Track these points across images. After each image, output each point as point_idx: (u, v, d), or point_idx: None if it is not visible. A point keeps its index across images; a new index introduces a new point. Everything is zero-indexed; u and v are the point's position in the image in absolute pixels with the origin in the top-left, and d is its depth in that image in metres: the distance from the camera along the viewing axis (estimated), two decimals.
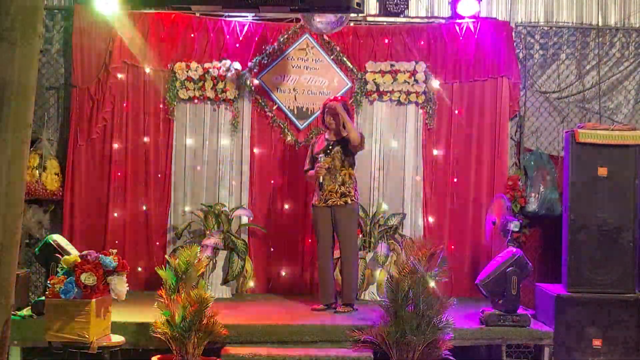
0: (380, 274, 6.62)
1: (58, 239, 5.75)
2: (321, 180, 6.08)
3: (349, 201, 6.10)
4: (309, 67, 7.16)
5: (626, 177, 5.91)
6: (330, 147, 6.16)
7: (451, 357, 5.07)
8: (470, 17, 7.07)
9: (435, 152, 7.14)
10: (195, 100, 7.10)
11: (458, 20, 7.12)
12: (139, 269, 6.94)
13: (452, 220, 7.14)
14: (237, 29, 7.10)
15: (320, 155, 6.13)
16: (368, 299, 6.61)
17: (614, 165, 5.92)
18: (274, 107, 7.14)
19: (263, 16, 6.96)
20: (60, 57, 7.08)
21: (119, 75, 6.97)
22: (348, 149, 6.15)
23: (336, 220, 6.11)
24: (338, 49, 7.13)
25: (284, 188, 7.13)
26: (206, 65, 7.03)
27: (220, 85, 7.04)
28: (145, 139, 7.05)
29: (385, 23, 7.20)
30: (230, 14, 7.03)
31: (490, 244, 6.49)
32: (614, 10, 7.30)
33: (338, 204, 6.08)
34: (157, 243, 7.03)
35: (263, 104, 7.13)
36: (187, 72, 7.01)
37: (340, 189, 6.09)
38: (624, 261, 5.87)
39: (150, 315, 5.26)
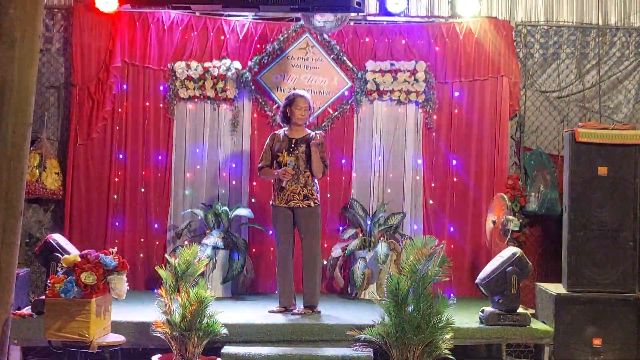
0: (380, 274, 6.62)
1: (58, 238, 5.76)
2: (283, 185, 5.92)
3: (312, 204, 5.90)
4: (309, 66, 7.16)
5: (626, 177, 5.89)
6: (294, 146, 5.95)
7: (451, 357, 5.06)
8: (470, 17, 7.07)
9: (435, 151, 7.14)
10: (196, 100, 7.10)
11: (458, 20, 7.13)
12: (139, 268, 6.95)
13: (452, 220, 7.14)
14: (237, 28, 7.11)
15: (289, 162, 5.86)
16: (368, 299, 6.60)
17: (614, 165, 5.90)
18: (274, 107, 7.13)
19: (263, 15, 6.97)
20: (60, 57, 7.08)
21: (119, 75, 6.97)
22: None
23: (298, 222, 5.96)
24: (338, 48, 7.13)
25: None
26: (206, 64, 7.03)
27: (221, 85, 7.04)
28: (145, 139, 7.05)
29: (385, 22, 7.20)
30: (230, 13, 7.02)
31: (490, 244, 6.48)
32: (614, 9, 7.28)
33: (300, 206, 5.90)
34: (157, 243, 7.04)
35: (263, 103, 7.13)
36: (187, 71, 7.01)
37: (302, 190, 5.90)
38: (624, 261, 5.85)
39: (150, 314, 5.26)
